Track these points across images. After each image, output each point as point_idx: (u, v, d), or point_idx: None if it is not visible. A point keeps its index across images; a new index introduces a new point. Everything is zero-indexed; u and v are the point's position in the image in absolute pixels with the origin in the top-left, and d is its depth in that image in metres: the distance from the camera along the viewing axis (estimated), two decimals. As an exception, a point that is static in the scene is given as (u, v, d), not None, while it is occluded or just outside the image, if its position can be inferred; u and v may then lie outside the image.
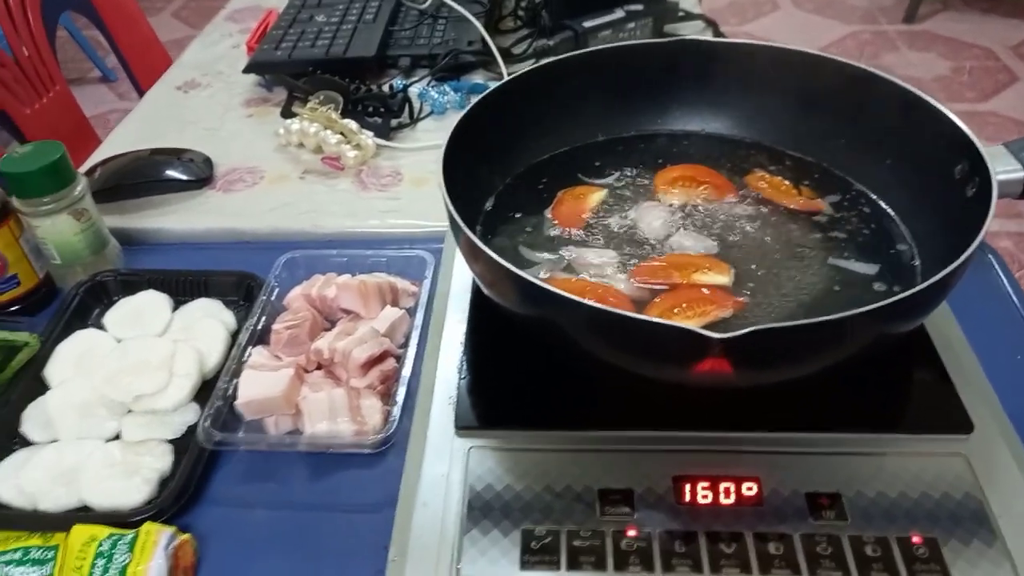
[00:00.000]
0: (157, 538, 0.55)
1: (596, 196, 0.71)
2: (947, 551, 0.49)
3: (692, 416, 0.56)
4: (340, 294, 0.74)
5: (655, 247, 0.66)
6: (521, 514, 0.52)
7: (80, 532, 0.56)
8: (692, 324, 0.48)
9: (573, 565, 0.49)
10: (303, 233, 0.90)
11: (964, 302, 0.63)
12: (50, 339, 0.73)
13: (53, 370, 0.70)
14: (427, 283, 0.76)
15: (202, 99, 1.18)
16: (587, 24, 1.14)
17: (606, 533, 0.51)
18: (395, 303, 0.75)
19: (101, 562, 0.54)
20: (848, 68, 0.70)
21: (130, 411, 0.67)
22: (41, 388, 0.69)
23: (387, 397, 0.67)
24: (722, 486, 0.53)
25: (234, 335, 0.74)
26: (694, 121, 0.78)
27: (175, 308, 0.77)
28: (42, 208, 0.76)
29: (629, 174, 0.74)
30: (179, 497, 0.60)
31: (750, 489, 0.52)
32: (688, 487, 0.53)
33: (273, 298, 0.76)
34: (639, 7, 1.17)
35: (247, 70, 1.16)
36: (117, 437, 0.66)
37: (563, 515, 0.52)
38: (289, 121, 1.02)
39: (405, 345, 0.71)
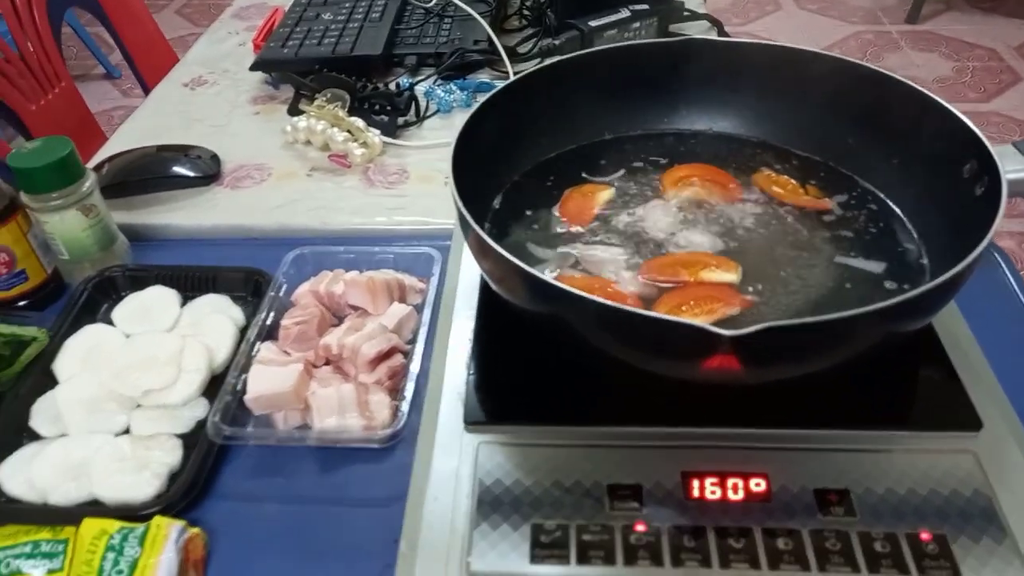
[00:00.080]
0: (168, 532, 0.55)
1: (604, 194, 0.71)
2: (957, 548, 0.49)
3: (700, 412, 0.56)
4: (348, 290, 0.74)
5: (662, 245, 0.66)
6: (531, 509, 0.52)
7: (91, 525, 0.56)
8: (700, 321, 0.48)
9: (583, 559, 0.50)
10: (310, 230, 0.90)
11: (971, 300, 0.63)
12: (58, 334, 0.73)
13: (62, 365, 0.70)
14: (434, 280, 0.76)
15: (209, 96, 1.18)
16: (593, 23, 1.14)
17: (615, 528, 0.51)
18: (403, 299, 0.76)
19: (112, 555, 0.54)
20: (856, 68, 0.70)
21: (139, 406, 0.67)
22: (50, 383, 0.69)
23: (395, 393, 0.67)
24: (730, 482, 0.53)
25: (242, 331, 0.74)
26: (701, 120, 0.78)
27: (183, 304, 0.77)
28: (51, 204, 0.76)
29: (636, 173, 0.74)
30: (189, 491, 0.60)
31: (758, 485, 0.53)
32: (696, 483, 0.53)
33: (281, 294, 0.76)
34: (644, 7, 1.17)
35: (254, 68, 1.16)
36: (126, 431, 0.66)
37: (572, 510, 0.52)
38: (296, 119, 1.02)
39: (413, 341, 0.71)
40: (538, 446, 0.56)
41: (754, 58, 0.74)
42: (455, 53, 1.14)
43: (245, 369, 0.67)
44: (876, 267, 0.63)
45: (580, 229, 0.68)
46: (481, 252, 0.57)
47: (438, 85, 1.11)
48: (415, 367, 0.68)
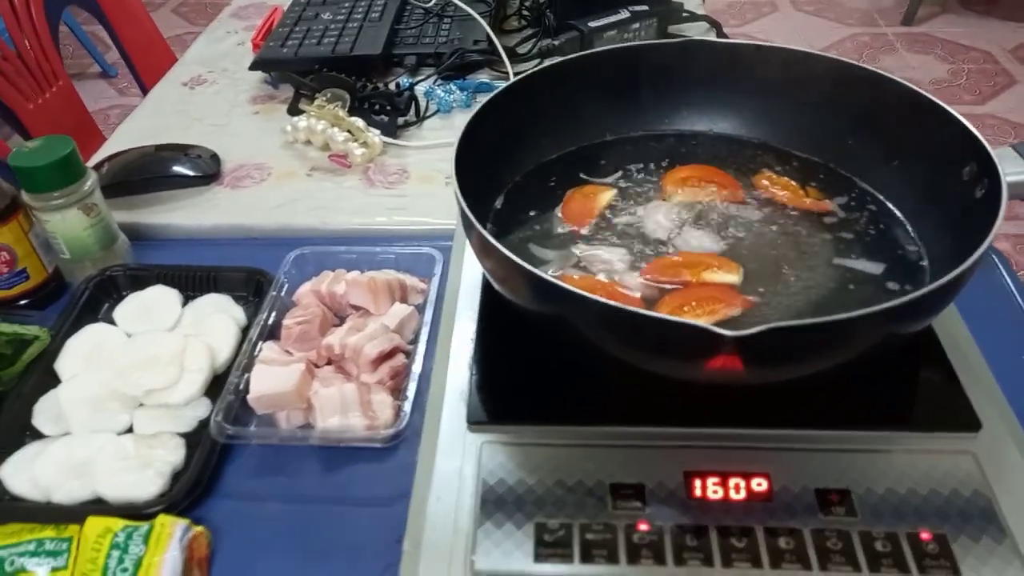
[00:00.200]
0: (172, 530, 0.56)
1: (605, 195, 0.72)
2: (957, 547, 0.50)
3: (702, 412, 0.57)
4: (350, 290, 0.74)
5: (664, 246, 0.67)
6: (534, 508, 0.53)
7: (95, 524, 0.56)
8: (703, 322, 0.49)
9: (586, 558, 0.50)
10: (311, 229, 0.90)
11: (969, 302, 0.63)
12: (60, 333, 0.73)
13: (64, 364, 0.70)
14: (436, 280, 0.76)
15: (208, 95, 1.18)
16: (592, 24, 1.14)
17: (618, 527, 0.51)
18: (404, 300, 0.76)
19: (116, 553, 0.54)
20: (856, 69, 0.70)
21: (141, 405, 0.67)
22: (52, 382, 0.69)
23: (397, 392, 0.67)
24: (732, 481, 0.53)
25: (244, 330, 0.74)
26: (702, 121, 0.78)
27: (184, 303, 0.77)
28: (52, 203, 0.76)
29: (638, 173, 0.74)
30: (192, 490, 0.61)
31: (760, 485, 0.53)
32: (699, 482, 0.53)
33: (283, 294, 0.76)
34: (644, 8, 1.17)
35: (253, 67, 1.16)
36: (129, 430, 0.66)
37: (576, 509, 0.52)
38: (296, 118, 1.02)
39: (415, 341, 0.71)
40: (541, 446, 0.56)
41: (755, 59, 0.75)
42: (455, 53, 1.14)
43: (247, 369, 0.68)
44: (876, 268, 0.64)
45: (582, 230, 0.69)
46: (484, 252, 0.57)
47: (438, 85, 1.11)
48: (417, 367, 0.68)
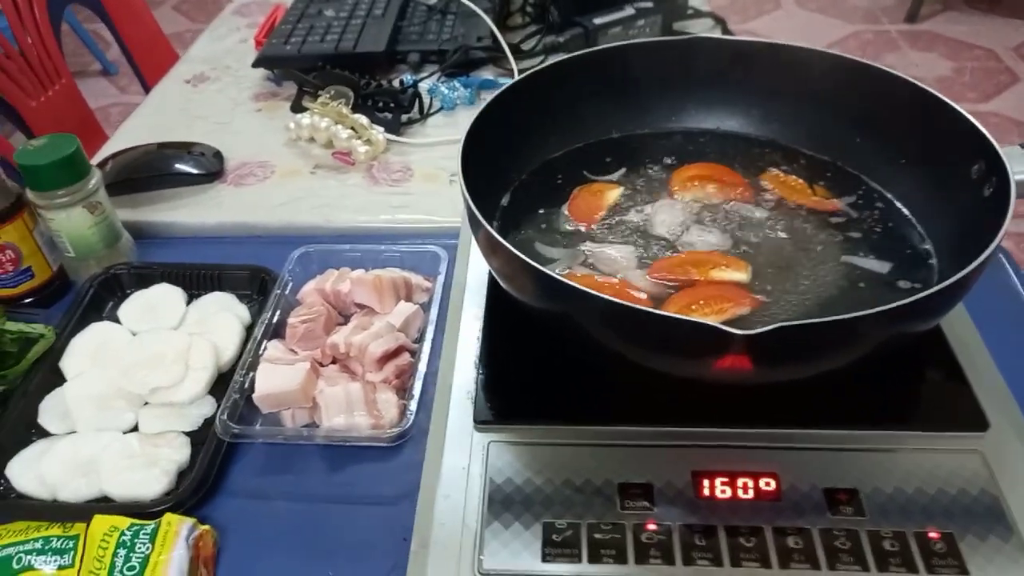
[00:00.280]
0: (178, 529, 0.55)
1: (612, 193, 0.72)
2: (964, 546, 0.49)
3: (710, 412, 0.57)
4: (354, 289, 0.74)
5: (672, 244, 0.66)
6: (542, 507, 0.53)
7: (101, 522, 0.56)
8: (711, 321, 0.48)
9: (594, 558, 0.50)
10: (315, 227, 0.90)
11: (977, 300, 0.63)
12: (65, 331, 0.73)
13: (69, 362, 0.70)
14: (441, 278, 0.76)
15: (211, 93, 1.18)
16: (597, 21, 1.14)
17: (626, 526, 0.51)
18: (409, 298, 0.76)
19: (123, 552, 0.54)
20: (864, 68, 0.70)
21: (147, 403, 0.67)
22: (58, 380, 0.69)
23: (403, 391, 0.67)
24: (740, 481, 0.53)
25: (248, 329, 0.74)
26: (709, 119, 0.78)
27: (189, 302, 0.77)
28: (56, 201, 0.76)
29: (645, 171, 0.74)
30: (198, 489, 0.61)
31: (768, 484, 0.53)
32: (707, 482, 0.53)
33: (287, 292, 0.76)
34: (648, 4, 1.17)
35: (256, 64, 1.16)
36: (134, 429, 0.66)
37: (583, 508, 0.52)
38: (300, 116, 1.02)
39: (420, 340, 0.71)
40: (548, 445, 0.56)
41: (762, 57, 0.74)
42: (459, 50, 1.13)
43: (252, 367, 0.67)
44: (884, 267, 0.63)
45: (589, 228, 0.68)
46: (491, 250, 0.57)
47: (442, 82, 1.10)
48: (422, 366, 0.68)
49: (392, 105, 1.04)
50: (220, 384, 0.69)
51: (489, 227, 0.54)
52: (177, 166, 0.96)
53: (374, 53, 1.13)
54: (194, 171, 0.96)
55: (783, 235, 0.67)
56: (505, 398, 0.60)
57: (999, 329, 0.64)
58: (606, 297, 0.48)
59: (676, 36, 1.17)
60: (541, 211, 0.70)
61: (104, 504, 0.60)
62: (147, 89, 1.46)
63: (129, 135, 1.07)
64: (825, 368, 0.52)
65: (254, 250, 0.85)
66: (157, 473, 0.61)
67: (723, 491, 0.53)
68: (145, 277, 0.79)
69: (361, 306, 0.74)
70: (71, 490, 0.61)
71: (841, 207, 0.69)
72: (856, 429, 0.56)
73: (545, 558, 0.50)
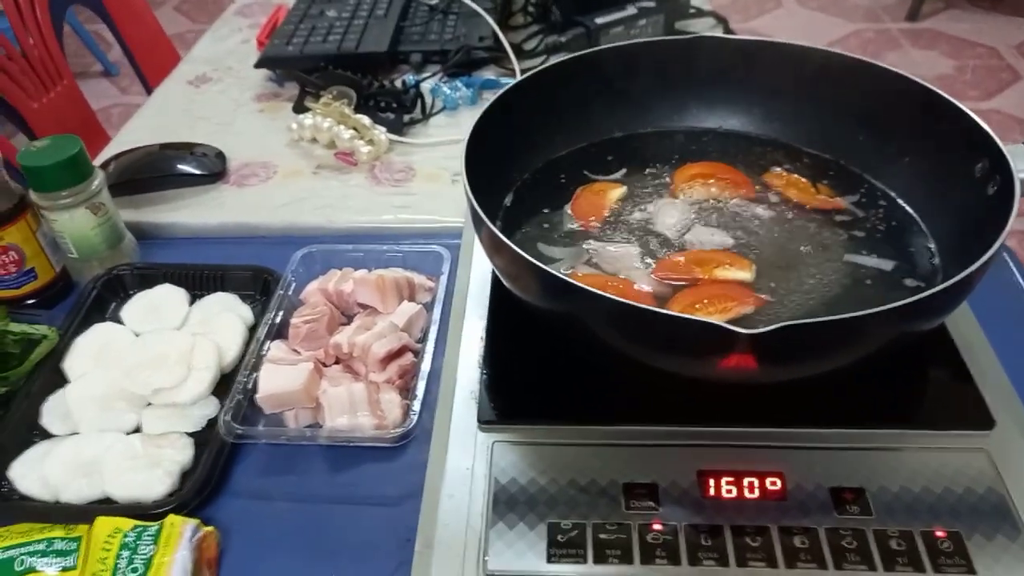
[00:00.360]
0: (181, 530, 0.55)
1: (615, 192, 0.71)
2: (971, 545, 0.49)
3: (715, 411, 0.57)
4: (357, 289, 0.74)
5: (675, 243, 0.66)
6: (547, 507, 0.52)
7: (104, 524, 0.56)
8: (716, 320, 0.48)
9: (600, 558, 0.50)
10: (317, 228, 0.90)
11: (981, 298, 0.63)
12: (68, 332, 0.73)
13: (72, 363, 0.70)
14: (444, 278, 0.76)
15: (213, 94, 1.18)
16: (599, 20, 1.14)
17: (632, 527, 0.51)
18: (412, 298, 0.76)
19: (126, 553, 0.54)
20: (867, 66, 0.70)
21: (149, 404, 0.67)
22: (60, 381, 0.69)
23: (406, 392, 0.67)
24: (746, 480, 0.53)
25: (251, 329, 0.74)
26: (711, 118, 0.78)
27: (192, 302, 0.77)
28: (60, 202, 0.76)
29: (647, 170, 0.74)
30: (201, 490, 0.60)
31: (774, 484, 0.53)
32: (712, 481, 0.53)
33: (290, 293, 0.76)
34: (650, 3, 1.17)
35: (259, 65, 1.16)
36: (137, 430, 0.66)
37: (588, 509, 0.52)
38: (302, 116, 1.02)
39: (423, 340, 0.71)
40: (553, 445, 0.56)
41: (765, 56, 0.74)
42: (460, 50, 1.13)
43: (255, 368, 0.67)
44: (888, 266, 0.63)
45: (592, 227, 0.68)
46: (495, 249, 0.57)
47: (444, 82, 1.10)
48: (426, 366, 0.68)
49: (394, 105, 1.04)
50: (223, 385, 0.68)
51: (492, 227, 0.54)
52: (180, 167, 0.96)
53: (376, 53, 1.13)
54: (197, 172, 0.96)
55: (786, 234, 0.67)
56: (509, 398, 0.60)
57: (1003, 327, 0.64)
58: (611, 296, 0.48)
59: (678, 35, 1.17)
60: (544, 211, 0.70)
61: (107, 505, 0.60)
62: (149, 90, 1.46)
63: (131, 136, 1.07)
64: (830, 367, 0.52)
65: (257, 250, 0.85)
66: (160, 474, 0.61)
67: (729, 491, 0.53)
68: (148, 278, 0.79)
69: (364, 306, 0.74)
70: (74, 491, 0.60)
71: (844, 206, 0.69)
72: (862, 428, 0.56)
73: (550, 559, 0.50)
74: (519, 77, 0.71)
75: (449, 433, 0.58)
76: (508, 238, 0.53)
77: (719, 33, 1.21)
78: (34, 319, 0.74)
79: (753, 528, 0.51)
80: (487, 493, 0.54)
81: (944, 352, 0.61)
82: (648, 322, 0.49)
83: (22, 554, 0.55)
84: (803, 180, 0.71)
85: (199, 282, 0.79)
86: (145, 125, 1.11)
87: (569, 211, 0.70)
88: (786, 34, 3.02)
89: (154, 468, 0.61)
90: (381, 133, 0.99)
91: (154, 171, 0.95)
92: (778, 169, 0.73)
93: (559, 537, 0.51)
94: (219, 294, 0.78)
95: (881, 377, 0.57)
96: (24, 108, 1.32)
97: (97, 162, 0.98)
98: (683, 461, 0.54)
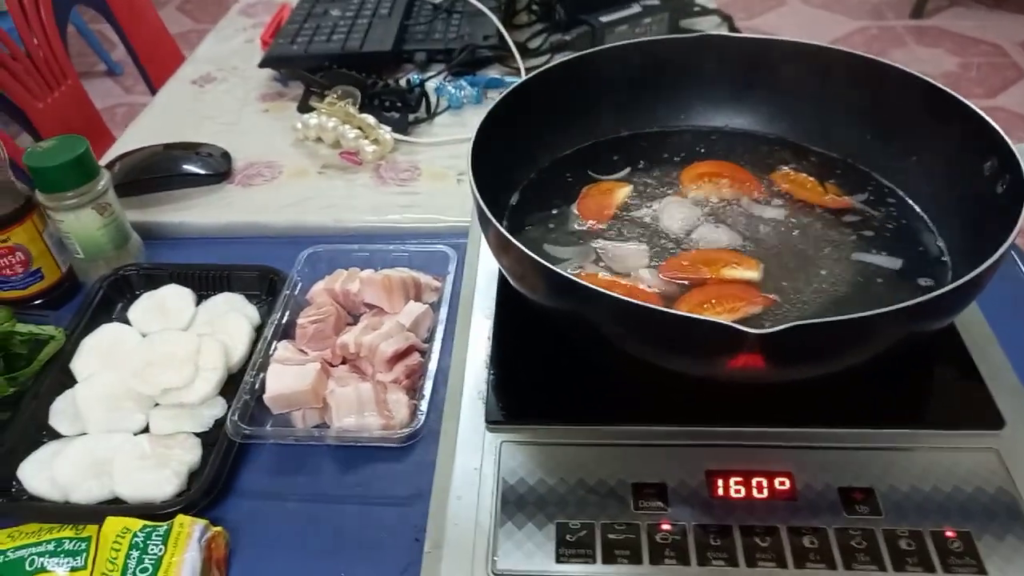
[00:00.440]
0: (191, 530, 0.55)
1: (621, 191, 0.71)
2: (982, 545, 0.49)
3: (724, 411, 0.56)
4: (364, 289, 0.74)
5: (682, 242, 0.66)
6: (555, 508, 0.52)
7: (114, 524, 0.56)
8: (724, 320, 0.48)
9: (608, 559, 0.50)
10: (323, 228, 0.90)
11: (990, 297, 0.63)
12: (75, 333, 0.73)
13: (80, 363, 0.70)
14: (450, 278, 0.76)
15: (218, 94, 1.18)
16: (603, 19, 1.14)
17: (641, 527, 0.51)
18: (418, 298, 0.76)
19: (135, 554, 0.54)
20: (874, 64, 0.69)
21: (157, 404, 0.67)
22: (68, 381, 0.69)
23: (413, 391, 0.67)
24: (755, 480, 0.53)
25: (258, 329, 0.74)
26: (718, 117, 0.78)
27: (198, 302, 0.77)
28: (66, 202, 0.76)
29: (654, 170, 0.74)
30: (209, 490, 0.60)
31: (783, 484, 0.53)
32: (721, 481, 0.53)
33: (296, 293, 0.76)
34: (655, 2, 1.17)
35: (263, 64, 1.16)
36: (145, 430, 0.66)
37: (597, 509, 0.52)
38: (307, 116, 1.02)
39: (430, 340, 0.71)
40: (561, 445, 0.56)
41: (771, 54, 0.74)
42: (465, 49, 1.13)
43: (263, 368, 0.67)
44: (897, 264, 0.63)
45: (599, 226, 0.68)
46: (501, 249, 0.57)
47: (448, 81, 1.10)
48: (433, 366, 0.68)
49: (399, 104, 1.04)
50: (230, 385, 0.68)
51: (500, 226, 0.54)
52: (185, 167, 0.96)
53: (381, 53, 1.13)
54: (202, 172, 0.96)
55: (794, 233, 0.67)
56: (516, 398, 0.60)
57: (1012, 327, 0.64)
58: (618, 296, 0.48)
59: (684, 34, 1.17)
60: (551, 210, 0.70)
61: (116, 506, 0.60)
62: (153, 90, 1.46)
63: (136, 136, 1.07)
64: (838, 367, 0.52)
65: (263, 250, 0.85)
66: (168, 474, 0.61)
67: (737, 491, 0.52)
68: (154, 278, 0.79)
69: (370, 306, 0.74)
70: (83, 492, 0.61)
71: (852, 204, 0.69)
72: (871, 428, 0.56)
73: (559, 559, 0.50)
74: (524, 76, 0.71)
75: (457, 433, 0.58)
76: (515, 237, 0.53)
77: (724, 31, 1.21)
78: (41, 320, 0.74)
79: (762, 528, 0.51)
80: (495, 493, 0.54)
81: (953, 351, 0.61)
82: (656, 322, 0.49)
83: (32, 554, 0.55)
84: (811, 179, 0.71)
85: (205, 282, 0.79)
86: (150, 125, 1.11)
87: (575, 210, 0.70)
88: (790, 32, 3.02)
89: (163, 468, 0.61)
90: (386, 132, 0.99)
91: (160, 171, 0.96)
92: (785, 168, 0.73)
93: (568, 537, 0.51)
94: (225, 294, 0.78)
95: (890, 377, 0.57)
96: (29, 108, 1.32)
97: (103, 162, 0.98)
98: (692, 461, 0.54)
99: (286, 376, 0.66)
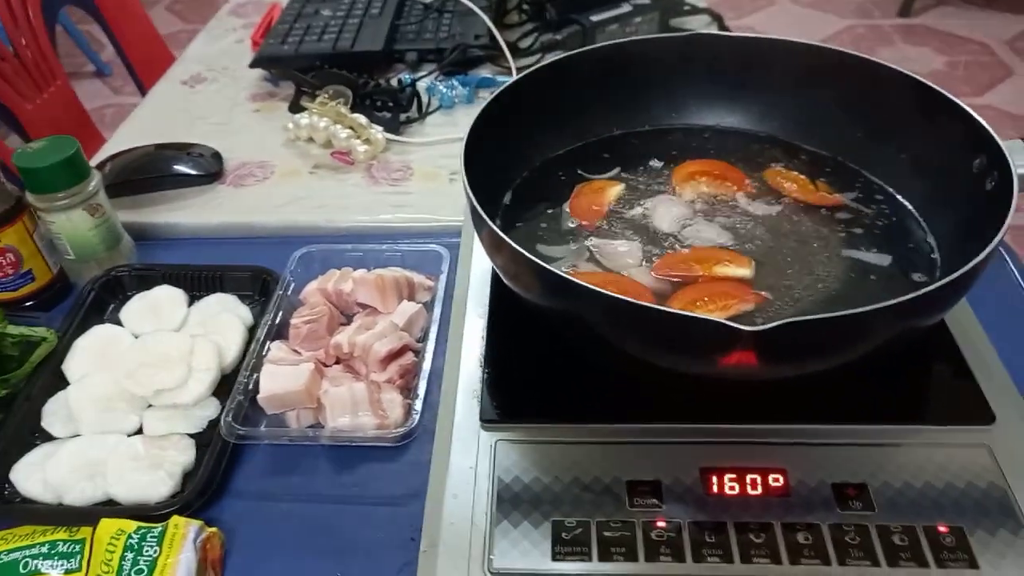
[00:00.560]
0: (185, 531, 0.55)
1: (614, 190, 0.71)
2: (974, 540, 0.50)
3: (717, 408, 0.57)
4: (357, 288, 0.74)
5: (674, 240, 0.66)
6: (551, 506, 0.53)
7: (108, 525, 0.56)
8: (717, 317, 0.48)
9: (604, 556, 0.50)
10: (315, 227, 0.90)
11: (979, 294, 0.63)
12: (67, 334, 0.73)
13: (72, 365, 0.70)
14: (443, 277, 0.76)
15: (208, 94, 1.17)
16: (594, 18, 1.14)
17: (636, 524, 0.51)
18: (411, 297, 0.76)
19: (130, 555, 0.54)
20: (864, 63, 0.70)
21: (150, 405, 0.67)
22: (61, 383, 0.69)
23: (407, 391, 0.67)
24: (749, 477, 0.53)
25: (251, 330, 0.74)
26: (709, 115, 0.78)
27: (191, 303, 0.77)
28: (57, 203, 0.76)
29: (646, 168, 0.74)
30: (204, 491, 0.60)
31: (777, 480, 0.53)
32: (715, 478, 0.53)
33: (289, 293, 0.76)
34: (646, 1, 1.17)
35: (254, 64, 1.15)
36: (139, 431, 0.66)
37: (592, 507, 0.52)
38: (298, 116, 1.02)
39: (423, 339, 0.71)
40: (556, 443, 0.56)
41: (761, 53, 0.74)
42: (456, 48, 1.13)
43: (256, 369, 0.67)
44: (887, 261, 0.64)
45: (591, 225, 0.68)
46: (495, 248, 0.57)
47: (440, 81, 1.10)
48: (427, 365, 0.67)
49: (391, 104, 1.04)
50: (224, 386, 0.68)
51: (493, 225, 0.54)
52: (176, 167, 0.96)
53: (372, 52, 1.13)
54: (193, 172, 0.96)
55: (786, 230, 0.67)
56: (511, 396, 0.60)
57: (1002, 323, 0.64)
58: (611, 294, 0.48)
59: (674, 32, 1.17)
60: (543, 209, 0.70)
61: (110, 507, 0.60)
62: (142, 90, 1.46)
63: (127, 137, 1.07)
64: (831, 363, 0.52)
65: (255, 251, 0.85)
66: (162, 475, 0.61)
67: (732, 487, 0.53)
68: (146, 279, 0.79)
69: (364, 306, 0.74)
70: (76, 493, 0.60)
71: (843, 202, 0.69)
72: (863, 424, 0.56)
73: (555, 557, 0.50)
74: (515, 75, 0.71)
75: (451, 432, 0.58)
76: (507, 237, 0.53)
77: (714, 30, 1.21)
78: (32, 321, 0.74)
79: (756, 524, 0.51)
80: (491, 492, 0.54)
81: (944, 348, 0.61)
82: (649, 320, 0.49)
83: (26, 557, 0.55)
84: (801, 177, 0.72)
85: (198, 283, 0.79)
86: (141, 126, 1.11)
87: (568, 209, 0.70)
88: (779, 30, 3.02)
89: (156, 469, 0.61)
90: (378, 132, 0.99)
91: (151, 172, 0.95)
92: (776, 166, 0.73)
93: (563, 535, 0.51)
94: (218, 295, 0.78)
95: (882, 374, 0.57)
96: (18, 109, 1.32)
97: (93, 163, 0.97)
98: (686, 458, 0.54)
99: (280, 376, 0.66)
